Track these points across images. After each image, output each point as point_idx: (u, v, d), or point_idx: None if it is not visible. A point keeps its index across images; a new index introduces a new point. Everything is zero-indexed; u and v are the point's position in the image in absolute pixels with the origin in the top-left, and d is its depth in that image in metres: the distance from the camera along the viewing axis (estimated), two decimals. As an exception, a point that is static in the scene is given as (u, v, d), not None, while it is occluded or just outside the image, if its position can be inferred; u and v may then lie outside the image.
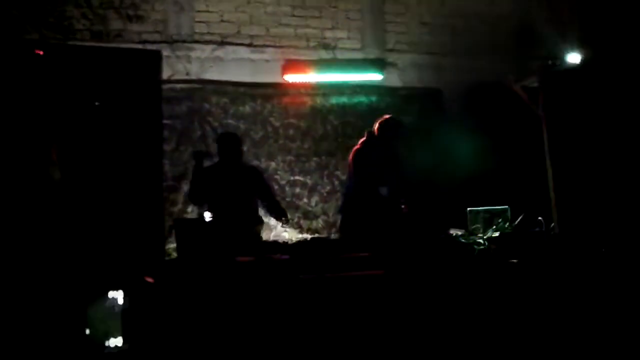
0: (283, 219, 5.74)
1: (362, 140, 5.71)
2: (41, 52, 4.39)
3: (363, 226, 5.26)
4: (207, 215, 4.54)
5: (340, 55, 7.22)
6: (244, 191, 5.53)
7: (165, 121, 6.39)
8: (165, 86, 6.45)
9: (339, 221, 6.02)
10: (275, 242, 5.42)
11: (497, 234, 5.14)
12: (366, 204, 5.44)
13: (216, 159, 5.74)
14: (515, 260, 4.78)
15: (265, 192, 5.75)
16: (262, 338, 4.32)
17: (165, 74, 6.49)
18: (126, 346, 4.22)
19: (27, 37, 6.05)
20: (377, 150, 5.60)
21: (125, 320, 4.29)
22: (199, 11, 6.87)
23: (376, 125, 5.71)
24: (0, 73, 4.44)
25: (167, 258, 5.28)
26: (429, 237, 5.06)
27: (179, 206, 6.49)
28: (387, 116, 5.82)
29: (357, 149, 5.64)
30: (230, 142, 5.67)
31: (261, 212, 5.75)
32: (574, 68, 6.14)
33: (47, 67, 4.45)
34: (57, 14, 6.25)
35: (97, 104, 4.29)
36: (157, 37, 6.68)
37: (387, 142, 5.66)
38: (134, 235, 4.25)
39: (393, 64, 7.41)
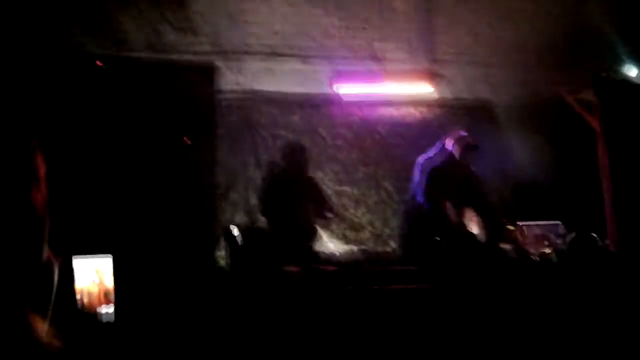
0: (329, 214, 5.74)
1: (434, 152, 5.64)
2: (101, 64, 4.51)
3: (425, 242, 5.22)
4: (235, 230, 4.59)
5: (389, 66, 7.21)
6: (302, 201, 5.56)
7: (216, 131, 6.52)
8: (217, 97, 6.57)
9: (400, 228, 5.94)
10: (322, 253, 5.48)
11: (549, 250, 5.09)
12: (433, 221, 5.40)
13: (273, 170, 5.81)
14: (569, 277, 4.72)
15: (318, 197, 5.78)
16: (309, 348, 4.36)
17: (217, 85, 6.61)
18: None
19: (85, 50, 6.22)
20: (451, 166, 5.53)
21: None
22: (250, 23, 6.94)
23: (452, 141, 5.63)
24: (60, 84, 4.56)
25: (216, 266, 5.35)
26: (480, 252, 5.04)
27: (227, 214, 6.57)
28: (463, 133, 5.73)
29: (433, 165, 5.57)
30: (298, 152, 5.72)
31: (313, 214, 5.76)
32: (631, 80, 6.03)
33: (106, 78, 4.55)
34: (114, 27, 6.40)
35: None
36: (209, 48, 6.77)
37: (462, 160, 5.59)
38: (186, 242, 4.33)
39: (442, 75, 7.36)
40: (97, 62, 4.49)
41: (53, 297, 2.67)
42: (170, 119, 4.45)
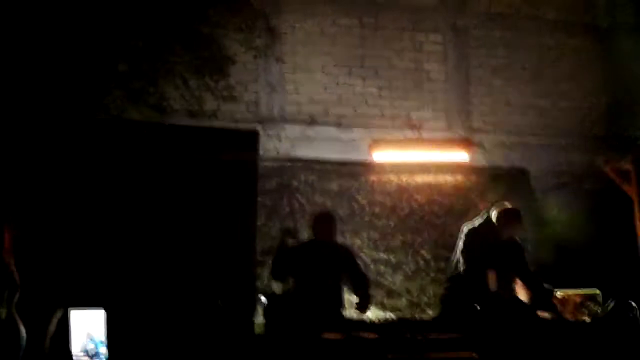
0: (362, 307, 5.62)
1: (479, 221, 5.66)
2: (145, 132, 4.64)
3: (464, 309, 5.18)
4: (263, 299, 4.59)
5: (426, 134, 7.29)
6: (332, 270, 5.54)
7: (255, 197, 6.61)
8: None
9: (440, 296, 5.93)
10: (362, 321, 5.44)
11: (588, 318, 5.02)
12: (474, 288, 5.38)
13: (307, 237, 5.82)
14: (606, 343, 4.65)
15: (355, 272, 5.72)
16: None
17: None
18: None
19: (127, 117, 6.40)
20: (495, 236, 5.55)
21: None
22: (289, 92, 7.12)
23: (497, 212, 5.66)
24: (103, 150, 4.67)
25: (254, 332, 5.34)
26: (521, 319, 4.99)
27: (265, 281, 6.57)
28: (508, 205, 5.78)
29: (478, 233, 5.58)
30: (326, 221, 5.75)
31: (347, 290, 5.74)
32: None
33: (147, 145, 4.66)
34: (158, 95, 6.59)
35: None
36: (249, 116, 6.94)
37: (506, 231, 5.60)
38: (224, 310, 4.34)
39: (478, 144, 7.42)
40: (143, 131, 4.60)
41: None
42: (213, 185, 4.51)
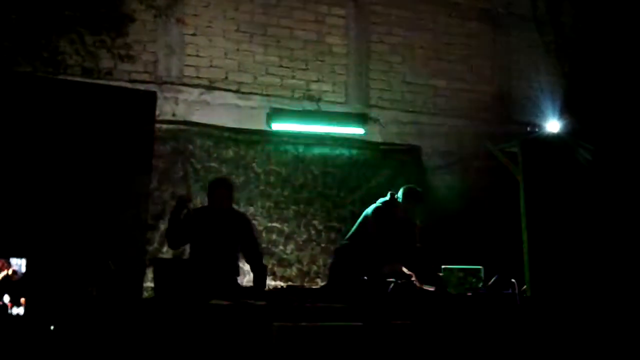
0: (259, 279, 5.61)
1: (384, 200, 5.81)
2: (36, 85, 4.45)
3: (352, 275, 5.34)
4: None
5: (324, 107, 7.37)
6: (228, 238, 5.53)
7: (149, 160, 6.49)
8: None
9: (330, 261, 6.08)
10: (250, 288, 5.47)
11: (470, 292, 5.26)
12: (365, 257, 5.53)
13: (200, 203, 5.77)
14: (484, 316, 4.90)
15: (250, 242, 5.72)
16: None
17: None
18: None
19: (19, 70, 6.13)
20: (396, 213, 5.73)
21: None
22: (189, 55, 7.00)
23: (400, 192, 5.82)
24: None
25: (142, 297, 5.28)
26: (405, 291, 5.16)
27: (155, 245, 6.50)
28: (410, 186, 5.98)
29: (380, 207, 5.75)
30: (223, 187, 5.70)
31: (241, 259, 5.76)
32: (553, 135, 6.35)
33: (39, 99, 4.48)
34: (51, 49, 6.34)
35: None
36: (146, 77, 6.79)
37: (407, 209, 5.77)
38: (116, 273, 4.26)
39: (375, 119, 7.57)
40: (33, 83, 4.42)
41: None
42: (106, 145, 4.39)
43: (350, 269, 5.50)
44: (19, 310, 3.97)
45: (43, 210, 4.18)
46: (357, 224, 5.82)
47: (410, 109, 7.76)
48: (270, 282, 6.70)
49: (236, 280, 5.62)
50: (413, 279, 5.41)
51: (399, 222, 5.78)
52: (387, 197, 5.82)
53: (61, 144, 4.30)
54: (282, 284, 6.70)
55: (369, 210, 5.79)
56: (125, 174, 4.37)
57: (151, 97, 4.61)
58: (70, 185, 4.25)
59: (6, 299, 3.96)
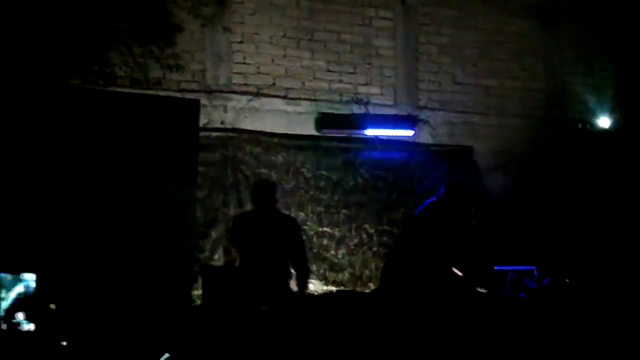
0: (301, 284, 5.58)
1: (431, 201, 5.69)
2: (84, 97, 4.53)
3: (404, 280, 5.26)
4: None
5: (372, 110, 7.32)
6: (276, 240, 5.47)
7: (199, 168, 6.54)
8: (201, 134, 6.57)
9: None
10: (303, 294, 5.45)
11: (523, 294, 5.14)
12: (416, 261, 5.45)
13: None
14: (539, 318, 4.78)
15: (296, 246, 5.68)
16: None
17: (202, 122, 6.62)
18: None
19: (71, 82, 6.27)
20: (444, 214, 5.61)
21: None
22: (236, 63, 7.04)
23: (447, 191, 5.70)
24: (44, 115, 4.57)
25: (192, 304, 5.31)
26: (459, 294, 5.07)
27: (207, 253, 6.55)
28: (456, 183, 5.87)
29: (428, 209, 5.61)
30: (265, 188, 5.70)
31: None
32: (608, 131, 6.16)
33: (89, 111, 4.57)
34: (101, 61, 6.46)
35: (137, 149, 4.38)
36: (195, 86, 6.86)
37: (454, 206, 5.67)
38: (162, 281, 4.30)
39: (425, 121, 7.48)
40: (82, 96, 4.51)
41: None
42: (152, 153, 4.45)
43: (401, 273, 5.41)
44: (29, 327, 3.98)
45: (77, 221, 4.23)
46: (407, 227, 5.73)
47: (461, 109, 7.65)
48: (322, 287, 6.69)
49: (288, 284, 5.58)
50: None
51: (448, 221, 5.64)
52: (434, 198, 5.71)
53: (107, 154, 4.36)
54: (334, 288, 6.66)
55: (417, 212, 5.70)
56: (170, 183, 4.41)
57: (195, 106, 4.65)
58: (112, 195, 4.30)
59: (21, 316, 3.99)
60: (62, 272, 4.14)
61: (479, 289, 5.26)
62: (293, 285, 5.65)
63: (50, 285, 4.05)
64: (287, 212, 6.68)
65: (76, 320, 4.06)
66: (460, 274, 5.40)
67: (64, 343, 3.95)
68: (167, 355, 4.00)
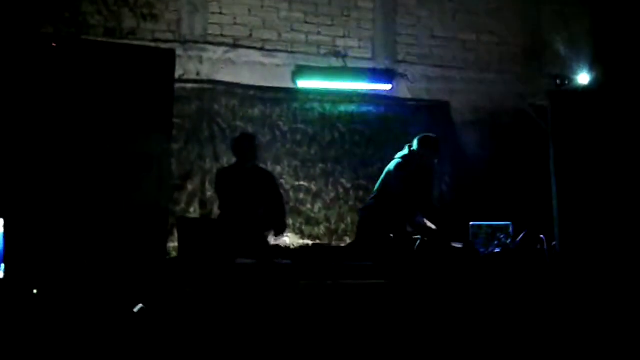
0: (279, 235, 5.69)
1: (402, 154, 5.69)
2: (54, 44, 4.41)
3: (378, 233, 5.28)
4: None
5: (350, 63, 7.24)
6: (255, 193, 5.50)
7: (174, 120, 6.46)
8: (176, 85, 6.46)
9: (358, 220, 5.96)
10: (277, 247, 5.46)
11: (498, 249, 5.18)
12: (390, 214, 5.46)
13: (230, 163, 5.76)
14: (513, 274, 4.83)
15: (274, 199, 5.71)
16: (259, 342, 4.35)
17: (177, 74, 6.53)
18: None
19: (43, 31, 6.12)
20: (418, 167, 5.62)
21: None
22: (212, 13, 6.91)
23: (416, 141, 5.69)
24: (15, 64, 4.45)
25: (168, 257, 5.29)
26: (432, 248, 5.09)
27: (182, 205, 6.52)
28: (425, 134, 5.80)
29: (400, 163, 5.63)
30: (245, 142, 5.68)
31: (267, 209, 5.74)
32: (583, 88, 6.16)
33: (61, 59, 4.44)
34: (73, 9, 6.32)
35: (108, 98, 4.28)
36: (170, 36, 6.74)
37: (425, 157, 5.66)
38: (137, 234, 4.25)
39: (402, 75, 7.44)
40: (52, 44, 4.38)
41: None
42: (125, 103, 4.35)
43: (376, 226, 5.43)
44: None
45: (49, 170, 4.15)
46: (380, 181, 5.72)
47: (439, 64, 7.59)
48: (298, 241, 6.70)
49: (266, 237, 5.59)
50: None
51: (420, 173, 5.64)
52: (406, 151, 5.70)
53: (79, 104, 4.26)
54: (309, 242, 6.67)
55: (390, 166, 5.68)
56: (145, 135, 4.33)
57: (170, 56, 4.53)
58: (85, 146, 4.22)
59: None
60: (33, 219, 4.07)
61: (454, 244, 5.31)
62: (270, 239, 5.68)
63: (19, 233, 4.00)
64: (263, 166, 6.70)
65: (48, 270, 4.01)
66: (433, 227, 5.45)
67: (35, 291, 3.91)
68: (140, 305, 3.97)
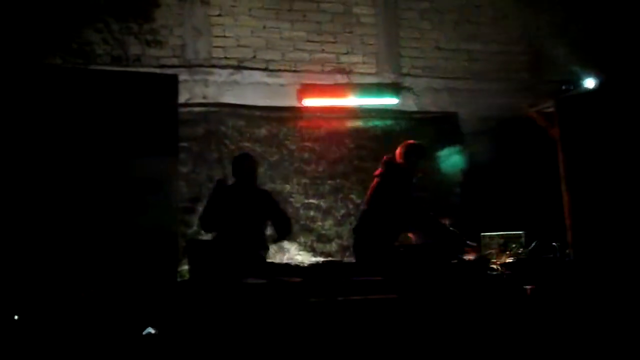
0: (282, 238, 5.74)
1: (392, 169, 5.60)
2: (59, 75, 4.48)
3: (377, 250, 5.23)
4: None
5: (355, 79, 7.28)
6: (253, 215, 5.51)
7: (182, 144, 6.49)
8: (183, 109, 6.54)
9: (352, 241, 5.89)
10: (287, 265, 5.46)
11: (511, 259, 5.14)
12: (382, 228, 5.40)
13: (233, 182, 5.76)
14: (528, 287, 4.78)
15: (275, 212, 5.71)
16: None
17: (183, 98, 6.61)
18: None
19: (51, 62, 6.20)
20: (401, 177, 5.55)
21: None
22: (216, 36, 6.98)
23: (398, 151, 5.65)
24: (21, 96, 4.53)
25: (180, 279, 5.31)
26: (443, 262, 5.06)
27: (194, 228, 6.53)
28: (410, 141, 5.76)
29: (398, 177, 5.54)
30: (245, 163, 5.69)
31: (271, 230, 5.76)
32: (590, 92, 6.14)
33: (67, 90, 4.52)
34: (80, 40, 6.40)
35: (113, 125, 4.37)
36: (175, 61, 6.80)
37: (411, 167, 5.61)
38: (146, 257, 4.29)
39: (408, 88, 7.46)
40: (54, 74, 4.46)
41: None
42: (131, 129, 4.42)
43: (380, 241, 5.36)
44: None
45: (59, 199, 4.21)
46: (371, 199, 5.60)
47: (444, 75, 7.62)
48: (311, 259, 6.69)
49: (263, 255, 5.58)
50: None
51: (392, 185, 5.51)
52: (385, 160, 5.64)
53: (86, 132, 4.33)
54: (321, 259, 6.66)
55: (386, 183, 5.57)
56: (151, 159, 4.38)
57: (172, 80, 4.61)
58: (93, 173, 4.28)
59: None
60: (42, 245, 4.12)
61: (469, 243, 5.26)
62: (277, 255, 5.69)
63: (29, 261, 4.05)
64: (272, 185, 6.72)
65: (56, 295, 4.05)
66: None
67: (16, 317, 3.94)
68: (149, 329, 3.99)
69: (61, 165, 4.27)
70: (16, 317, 3.92)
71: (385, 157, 5.67)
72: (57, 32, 6.38)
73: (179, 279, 5.03)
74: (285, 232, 5.72)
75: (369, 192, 5.62)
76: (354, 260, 6.37)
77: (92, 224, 4.21)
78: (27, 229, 4.15)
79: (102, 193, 4.28)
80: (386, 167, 5.56)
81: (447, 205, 7.02)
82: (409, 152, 5.60)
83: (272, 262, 5.54)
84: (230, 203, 5.46)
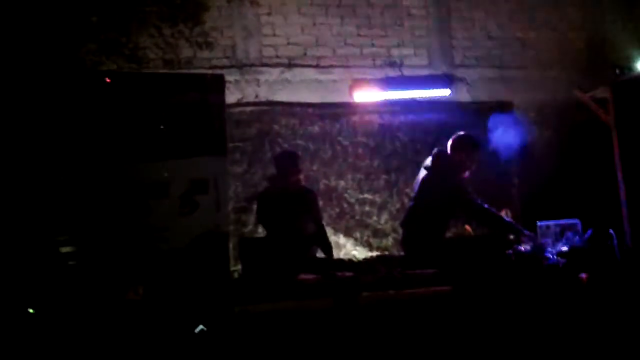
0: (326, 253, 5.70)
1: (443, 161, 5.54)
2: (109, 80, 4.60)
3: (427, 243, 5.19)
4: None
5: (407, 72, 7.21)
6: (296, 211, 5.52)
7: (236, 144, 6.60)
8: (236, 109, 6.66)
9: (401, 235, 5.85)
10: (340, 260, 5.48)
11: (566, 247, 5.03)
12: (432, 221, 5.35)
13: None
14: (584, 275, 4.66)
15: (312, 209, 5.75)
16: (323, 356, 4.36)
17: (235, 98, 6.71)
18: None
19: (104, 68, 6.36)
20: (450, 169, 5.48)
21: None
22: (266, 35, 7.04)
23: (450, 143, 5.59)
24: (81, 102, 4.66)
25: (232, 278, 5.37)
26: (497, 253, 4.99)
27: (250, 227, 6.61)
28: (460, 133, 5.69)
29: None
30: (285, 160, 5.71)
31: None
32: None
33: (118, 94, 4.64)
34: (132, 46, 6.52)
35: (162, 127, 4.46)
36: (226, 62, 6.89)
37: (463, 159, 5.53)
38: (199, 257, 4.36)
39: (461, 79, 7.36)
40: (106, 79, 4.57)
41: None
42: (179, 131, 4.50)
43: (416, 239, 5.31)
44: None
45: (118, 200, 4.33)
46: (420, 192, 5.56)
47: (498, 65, 7.50)
48: (367, 254, 6.67)
49: (315, 253, 5.60)
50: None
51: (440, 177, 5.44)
52: (435, 151, 5.57)
53: (134, 135, 4.43)
54: (378, 254, 6.64)
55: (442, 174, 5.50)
56: (200, 158, 4.45)
57: (219, 80, 4.66)
58: (145, 175, 4.38)
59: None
60: (95, 246, 4.25)
61: (526, 232, 5.15)
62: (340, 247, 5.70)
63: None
64: (326, 182, 6.74)
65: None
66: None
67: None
68: (201, 326, 4.06)
69: (113, 166, 4.38)
70: (31, 310, 4.03)
71: (435, 150, 5.60)
72: (111, 39, 6.53)
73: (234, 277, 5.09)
74: (328, 249, 5.72)
75: (418, 186, 5.56)
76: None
77: (142, 223, 4.30)
78: (82, 226, 4.28)
79: (152, 194, 4.36)
80: (436, 159, 5.50)
81: (506, 196, 6.91)
82: (459, 144, 5.54)
83: (324, 258, 5.54)
84: (274, 201, 5.51)
